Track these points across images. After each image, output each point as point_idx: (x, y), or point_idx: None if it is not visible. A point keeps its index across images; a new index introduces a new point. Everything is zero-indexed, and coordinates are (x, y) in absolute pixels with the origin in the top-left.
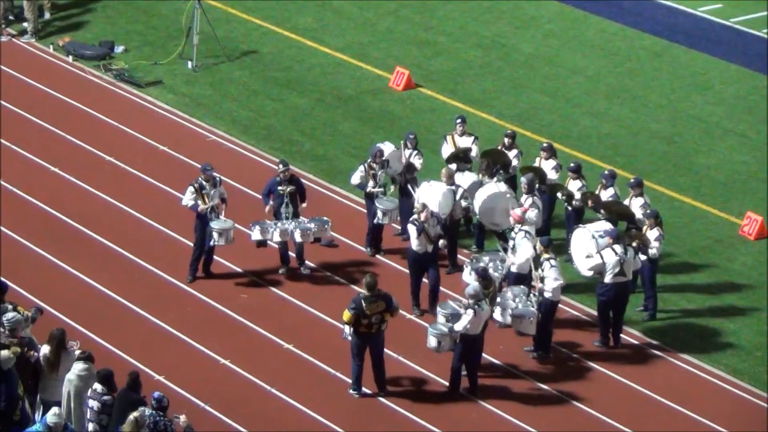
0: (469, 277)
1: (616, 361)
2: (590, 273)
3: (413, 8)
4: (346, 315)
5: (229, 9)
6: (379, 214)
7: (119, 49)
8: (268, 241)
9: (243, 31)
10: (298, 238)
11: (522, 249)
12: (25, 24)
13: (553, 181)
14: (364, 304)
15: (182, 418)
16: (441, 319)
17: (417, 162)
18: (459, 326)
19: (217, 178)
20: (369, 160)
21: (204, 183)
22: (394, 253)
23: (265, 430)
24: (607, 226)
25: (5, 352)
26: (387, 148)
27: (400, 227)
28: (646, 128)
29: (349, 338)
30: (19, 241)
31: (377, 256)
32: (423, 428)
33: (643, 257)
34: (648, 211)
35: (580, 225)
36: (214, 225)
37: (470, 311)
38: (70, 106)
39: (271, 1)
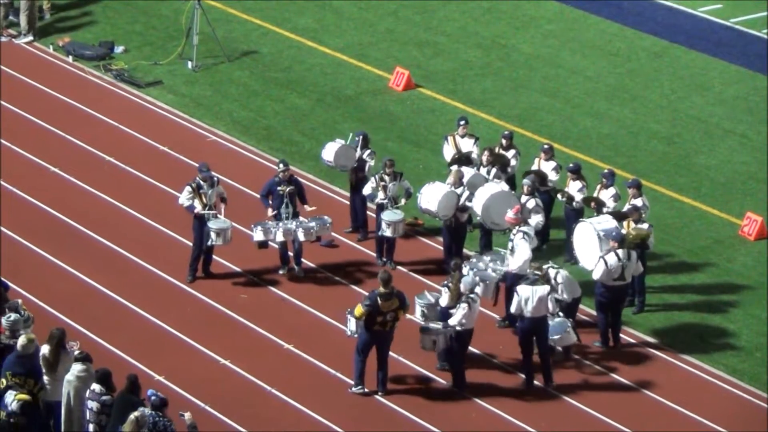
0: (468, 275)
1: (616, 361)
2: (597, 276)
3: (413, 8)
4: (359, 310)
5: (228, 9)
6: (383, 225)
7: (119, 49)
8: (270, 242)
9: (243, 32)
10: (301, 237)
11: (520, 250)
12: (21, 26)
13: (554, 183)
14: (379, 301)
15: (187, 415)
16: (418, 309)
17: (369, 160)
18: (454, 320)
19: (215, 178)
20: (380, 172)
21: (202, 183)
22: (399, 259)
23: (265, 430)
24: (611, 221)
25: (23, 338)
26: (336, 144)
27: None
28: (646, 128)
29: (355, 336)
30: (19, 241)
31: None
32: (423, 428)
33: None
34: (628, 208)
35: (583, 219)
36: (212, 225)
37: (464, 305)
38: (70, 106)
39: (271, 2)
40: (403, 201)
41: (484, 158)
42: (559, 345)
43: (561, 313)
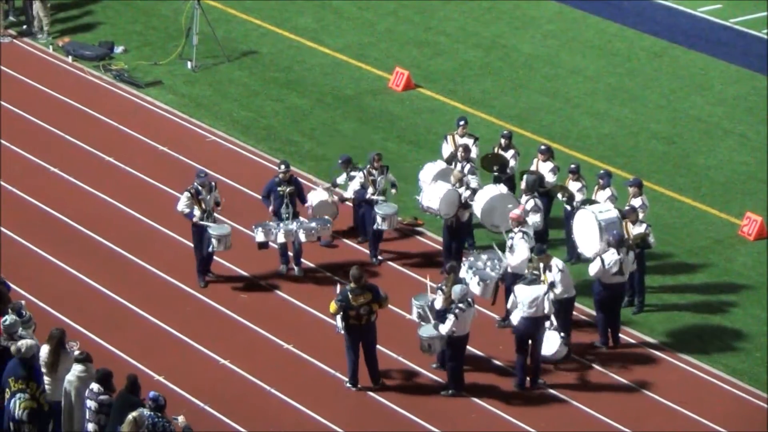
0: (467, 275)
1: (616, 361)
2: (593, 273)
3: (413, 8)
4: (332, 306)
5: (228, 9)
6: (379, 219)
7: (119, 49)
8: (270, 242)
9: (242, 32)
10: (302, 238)
11: (519, 250)
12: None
13: (551, 184)
14: (350, 296)
15: (180, 418)
16: (414, 311)
17: (356, 182)
18: (444, 329)
19: (213, 183)
20: (368, 166)
21: (199, 188)
22: (391, 253)
23: (264, 430)
24: (612, 210)
25: (28, 341)
26: (318, 195)
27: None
28: (646, 128)
29: (343, 332)
30: (19, 241)
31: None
32: (422, 428)
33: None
34: (627, 208)
35: (584, 206)
36: (212, 231)
37: (451, 316)
38: (70, 106)
39: (271, 1)
40: (393, 191)
41: (459, 154)
42: (553, 359)
43: (554, 322)
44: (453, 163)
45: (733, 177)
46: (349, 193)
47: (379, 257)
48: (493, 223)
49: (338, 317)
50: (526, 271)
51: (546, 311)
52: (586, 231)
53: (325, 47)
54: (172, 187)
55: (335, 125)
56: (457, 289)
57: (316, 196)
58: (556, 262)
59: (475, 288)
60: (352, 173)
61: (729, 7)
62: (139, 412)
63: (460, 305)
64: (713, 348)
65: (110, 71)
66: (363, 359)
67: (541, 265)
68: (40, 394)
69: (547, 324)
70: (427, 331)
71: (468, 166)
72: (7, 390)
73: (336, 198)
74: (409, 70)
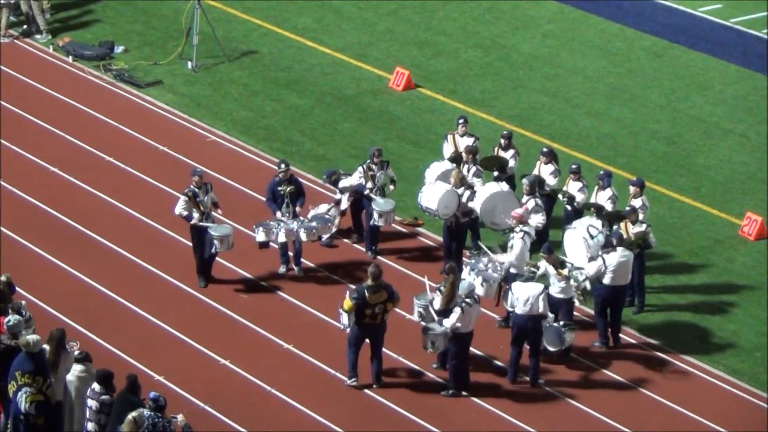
0: (468, 276)
1: (616, 361)
2: (592, 273)
3: (413, 8)
4: (347, 303)
5: (228, 9)
6: (375, 215)
7: (119, 49)
8: (271, 242)
9: (243, 32)
10: (303, 238)
11: (516, 248)
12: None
13: (550, 187)
14: (366, 294)
15: (180, 417)
16: (416, 310)
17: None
18: (448, 323)
19: (208, 184)
20: (368, 161)
21: (196, 190)
22: (391, 253)
23: (265, 430)
24: (597, 222)
25: (34, 336)
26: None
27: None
28: (646, 128)
29: (348, 330)
30: (19, 241)
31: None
32: (422, 428)
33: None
34: (627, 208)
35: (569, 226)
36: (214, 232)
37: (458, 309)
38: (70, 106)
39: (271, 1)
40: (392, 187)
41: (465, 156)
42: (562, 350)
43: (551, 318)
44: (461, 165)
45: (733, 177)
46: (344, 204)
47: (375, 252)
48: (494, 221)
49: (345, 315)
50: (525, 268)
51: (540, 310)
52: (574, 247)
53: (325, 47)
54: (172, 187)
55: (335, 125)
56: (464, 284)
57: (316, 211)
58: (566, 262)
59: (479, 288)
60: (342, 184)
61: (729, 7)
62: (139, 413)
63: (467, 300)
64: (713, 348)
65: (110, 71)
66: (365, 357)
67: (545, 264)
68: (47, 388)
69: (545, 322)
70: (433, 327)
71: (474, 169)
72: (13, 383)
73: (338, 211)
74: (409, 70)
